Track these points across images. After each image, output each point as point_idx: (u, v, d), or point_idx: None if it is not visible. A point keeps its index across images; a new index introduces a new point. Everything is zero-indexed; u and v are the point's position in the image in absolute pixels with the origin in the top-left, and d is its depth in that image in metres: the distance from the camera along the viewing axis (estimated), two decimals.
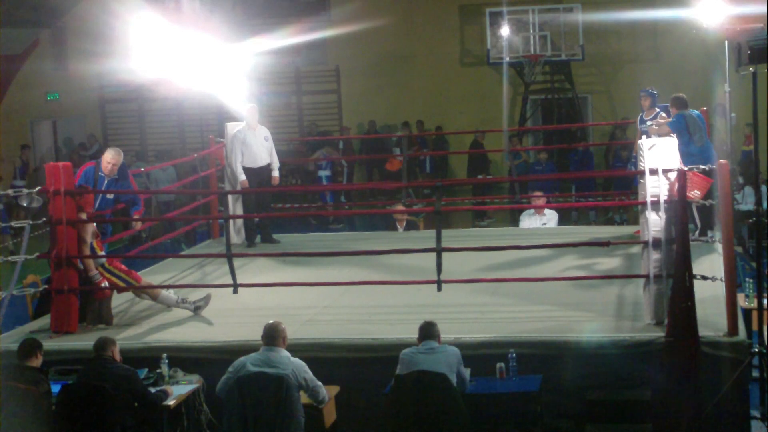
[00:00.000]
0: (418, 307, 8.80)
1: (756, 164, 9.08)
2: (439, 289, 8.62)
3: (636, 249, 9.72)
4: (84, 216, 8.97)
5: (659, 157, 8.02)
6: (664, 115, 11.22)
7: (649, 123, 11.25)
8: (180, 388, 7.77)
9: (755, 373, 7.94)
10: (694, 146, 10.49)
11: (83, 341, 8.43)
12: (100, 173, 9.67)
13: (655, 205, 7.98)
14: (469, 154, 21.25)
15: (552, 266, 10.33)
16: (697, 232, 10.59)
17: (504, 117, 22.04)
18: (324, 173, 20.72)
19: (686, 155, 9.96)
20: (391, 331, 8.34)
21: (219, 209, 12.99)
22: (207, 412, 7.97)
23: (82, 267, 8.92)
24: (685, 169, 8.16)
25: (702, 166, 8.55)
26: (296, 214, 17.48)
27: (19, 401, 7.10)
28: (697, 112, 10.97)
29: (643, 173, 8.11)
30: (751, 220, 13.03)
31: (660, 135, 10.56)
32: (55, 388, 7.35)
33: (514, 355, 7.65)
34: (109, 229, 10.28)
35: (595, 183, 19.73)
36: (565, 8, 21.80)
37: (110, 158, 9.68)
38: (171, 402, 7.54)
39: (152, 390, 7.53)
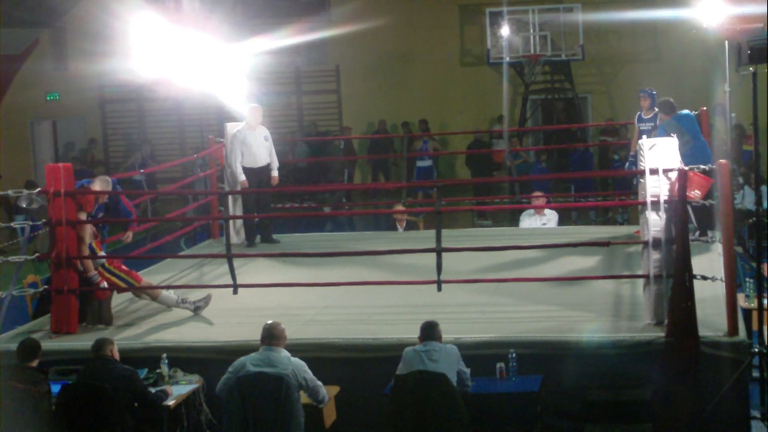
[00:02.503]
0: (418, 307, 8.80)
1: (756, 164, 9.07)
2: (439, 289, 8.62)
3: (636, 249, 9.71)
4: (84, 216, 8.97)
5: (659, 156, 8.01)
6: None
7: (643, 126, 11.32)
8: (180, 388, 7.78)
9: (755, 373, 7.94)
10: (683, 148, 10.48)
11: (83, 341, 8.43)
12: None
13: (655, 205, 7.98)
14: (470, 154, 21.25)
15: (552, 266, 10.33)
16: (697, 233, 10.57)
17: (504, 117, 22.04)
18: (424, 164, 21.18)
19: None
20: (391, 331, 8.34)
21: (219, 209, 12.99)
22: (207, 412, 7.97)
23: (81, 268, 8.92)
24: (686, 168, 8.15)
25: (702, 166, 8.55)
26: (296, 214, 17.48)
27: (19, 401, 7.10)
28: (685, 112, 10.94)
29: (643, 173, 8.11)
30: (751, 220, 13.02)
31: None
32: (55, 388, 7.35)
33: (514, 355, 7.66)
34: (106, 229, 10.22)
35: (594, 183, 19.73)
36: (565, 8, 21.78)
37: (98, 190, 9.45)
38: (171, 402, 7.55)
39: (152, 390, 7.53)
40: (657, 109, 11.39)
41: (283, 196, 18.37)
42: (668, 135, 10.30)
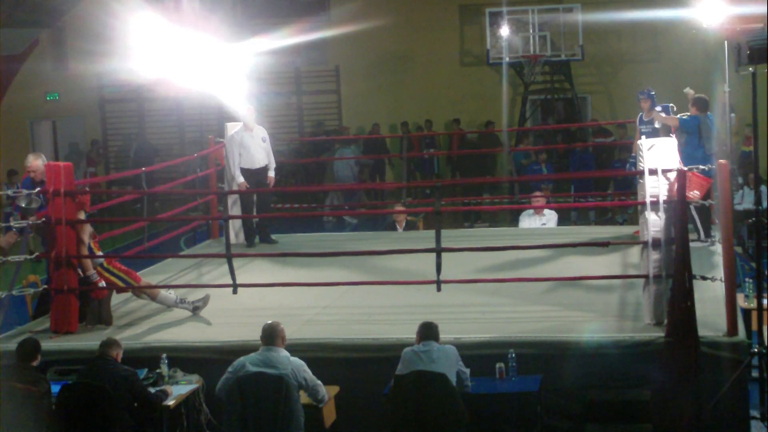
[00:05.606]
0: (417, 307, 8.80)
1: (756, 164, 9.08)
2: (439, 289, 8.62)
3: (636, 249, 9.72)
4: (83, 216, 8.97)
5: (658, 157, 8.02)
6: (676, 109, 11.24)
7: (658, 109, 11.24)
8: (180, 388, 7.77)
9: (755, 373, 7.94)
10: (702, 151, 10.47)
11: (83, 341, 8.44)
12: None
13: (655, 205, 7.98)
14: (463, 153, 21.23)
15: (552, 266, 10.33)
16: (702, 235, 10.56)
17: (504, 117, 22.04)
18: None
19: (691, 158, 9.94)
20: (391, 331, 8.34)
21: (218, 209, 12.99)
22: (207, 412, 7.97)
23: (80, 271, 8.92)
24: (685, 169, 8.15)
25: (702, 167, 8.55)
26: (296, 214, 17.47)
27: (19, 401, 7.10)
28: (711, 115, 10.95)
29: (642, 173, 8.11)
30: (750, 220, 13.03)
31: (663, 127, 10.57)
32: (55, 388, 7.34)
33: (514, 355, 7.65)
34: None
35: (593, 183, 19.72)
36: (565, 8, 21.81)
37: (29, 165, 9.22)
38: (171, 402, 7.54)
39: (152, 390, 7.53)
40: (659, 109, 11.38)
41: (283, 196, 18.37)
42: (694, 127, 10.34)
